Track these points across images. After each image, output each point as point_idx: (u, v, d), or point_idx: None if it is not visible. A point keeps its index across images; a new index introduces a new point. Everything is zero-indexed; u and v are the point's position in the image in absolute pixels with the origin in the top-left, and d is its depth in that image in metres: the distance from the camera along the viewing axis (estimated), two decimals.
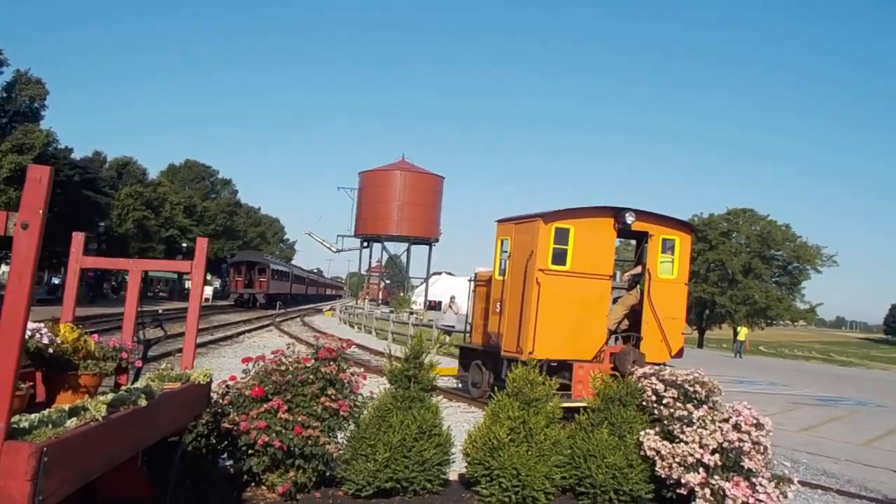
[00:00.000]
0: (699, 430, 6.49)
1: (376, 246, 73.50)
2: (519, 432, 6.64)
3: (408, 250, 74.58)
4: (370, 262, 77.17)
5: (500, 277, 14.03)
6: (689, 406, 6.82)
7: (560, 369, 12.83)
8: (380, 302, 71.66)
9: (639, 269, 14.40)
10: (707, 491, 6.19)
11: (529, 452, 6.53)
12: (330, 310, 61.59)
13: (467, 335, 16.75)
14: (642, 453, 6.63)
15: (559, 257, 13.12)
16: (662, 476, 6.51)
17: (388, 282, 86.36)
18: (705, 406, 6.89)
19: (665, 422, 6.83)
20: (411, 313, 49.58)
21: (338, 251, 77.67)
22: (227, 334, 28.94)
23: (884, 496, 8.98)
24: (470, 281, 16.95)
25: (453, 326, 29.25)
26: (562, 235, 13.11)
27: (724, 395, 7.44)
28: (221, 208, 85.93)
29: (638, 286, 14.14)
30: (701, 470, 6.29)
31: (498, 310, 13.89)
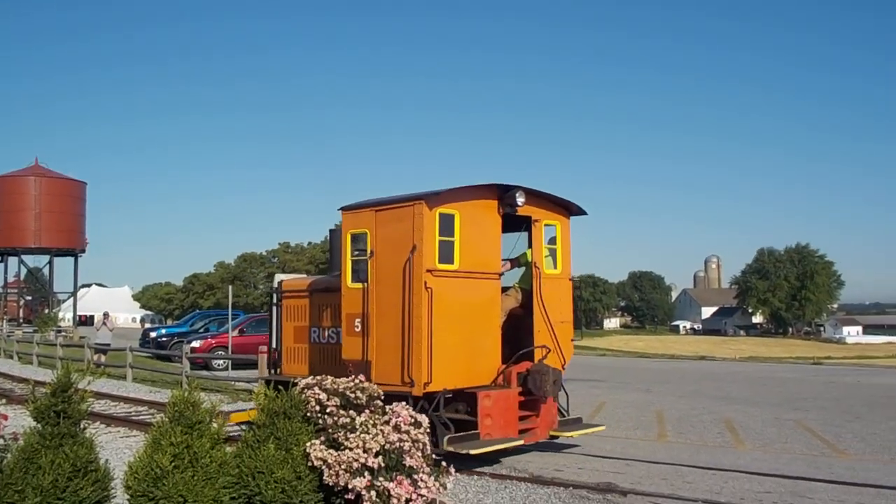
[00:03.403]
0: (362, 434, 6.74)
1: (12, 260, 67.00)
2: (183, 458, 6.40)
3: (50, 262, 68.44)
4: (6, 278, 69.90)
5: (359, 284, 10.87)
6: (351, 412, 7.06)
7: (453, 401, 10.58)
8: (21, 321, 65.06)
9: (508, 266, 12.09)
10: (373, 493, 6.44)
11: (195, 477, 6.32)
12: None
13: (274, 366, 13.28)
14: (310, 464, 6.72)
15: (446, 253, 10.47)
16: (330, 484, 6.67)
17: (28, 298, 78.33)
18: (367, 411, 7.18)
19: (330, 430, 6.98)
20: (59, 332, 45.60)
21: None
22: None
23: (530, 474, 9.98)
24: (273, 293, 13.58)
25: (108, 344, 27.41)
26: (447, 224, 10.47)
27: None
28: None
29: (514, 285, 11.99)
30: (366, 473, 6.53)
31: (358, 329, 10.81)
